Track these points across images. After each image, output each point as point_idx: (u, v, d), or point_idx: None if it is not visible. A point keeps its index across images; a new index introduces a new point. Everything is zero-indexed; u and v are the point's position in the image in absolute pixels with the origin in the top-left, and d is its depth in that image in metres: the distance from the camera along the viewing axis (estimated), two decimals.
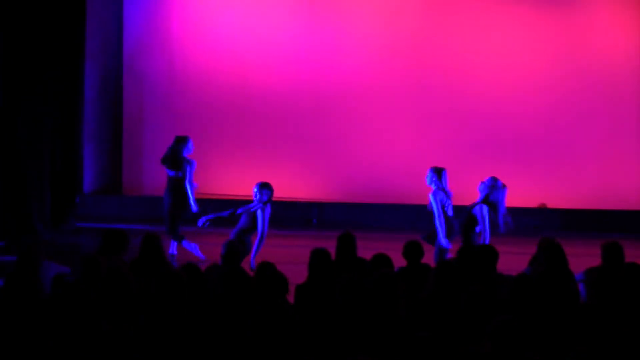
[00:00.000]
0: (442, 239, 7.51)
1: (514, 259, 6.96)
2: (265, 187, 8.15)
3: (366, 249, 6.16)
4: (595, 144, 12.27)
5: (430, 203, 7.71)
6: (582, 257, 6.84)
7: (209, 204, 12.06)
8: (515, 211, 11.95)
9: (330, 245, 6.10)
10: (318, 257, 5.65)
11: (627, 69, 12.19)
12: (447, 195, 7.87)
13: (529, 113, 12.26)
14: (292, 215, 11.59)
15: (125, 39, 12.48)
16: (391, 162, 12.27)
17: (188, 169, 9.24)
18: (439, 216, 7.59)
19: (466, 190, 12.04)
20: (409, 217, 11.66)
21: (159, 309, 4.62)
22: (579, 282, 5.69)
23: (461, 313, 4.69)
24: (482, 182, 7.97)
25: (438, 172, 7.93)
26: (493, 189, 7.91)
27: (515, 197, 12.37)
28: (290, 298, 5.17)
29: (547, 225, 11.58)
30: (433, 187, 7.81)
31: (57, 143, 10.79)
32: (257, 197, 8.13)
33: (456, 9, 12.26)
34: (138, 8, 12.47)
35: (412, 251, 6.12)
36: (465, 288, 4.85)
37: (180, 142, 9.27)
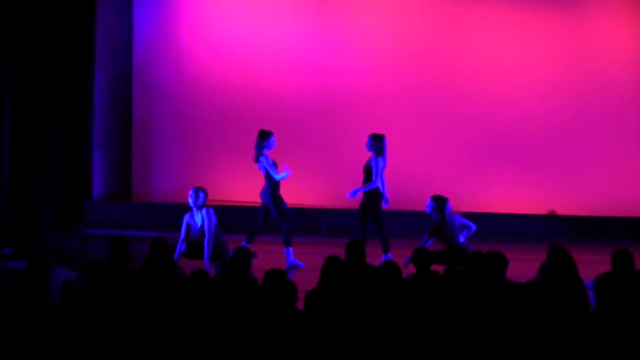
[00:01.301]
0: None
1: (523, 266, 6.94)
2: (201, 190, 8.18)
3: (376, 256, 6.18)
4: (605, 150, 12.23)
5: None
6: (592, 264, 6.81)
7: (217, 211, 12.10)
8: (524, 218, 12.00)
9: (339, 252, 6.09)
10: (331, 264, 5.64)
11: (635, 73, 12.15)
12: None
13: (537, 119, 12.23)
14: (301, 222, 11.57)
15: (135, 46, 12.52)
16: (400, 169, 12.22)
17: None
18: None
19: (475, 197, 12.05)
20: (418, 224, 11.63)
21: (167, 315, 4.61)
22: (588, 290, 5.66)
23: (470, 320, 4.68)
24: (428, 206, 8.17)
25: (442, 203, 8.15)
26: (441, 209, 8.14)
27: (525, 204, 12.37)
28: (300, 304, 5.16)
29: (557, 232, 11.54)
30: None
31: (66, 149, 10.82)
32: (194, 201, 8.07)
33: (463, 15, 12.25)
34: (147, 15, 12.51)
35: (421, 258, 6.11)
36: (475, 295, 4.84)
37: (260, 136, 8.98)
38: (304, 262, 8.75)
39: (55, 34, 10.29)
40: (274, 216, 8.88)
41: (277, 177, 8.83)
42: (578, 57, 12.19)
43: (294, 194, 12.23)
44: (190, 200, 8.18)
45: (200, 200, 8.16)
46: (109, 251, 6.05)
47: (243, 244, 8.81)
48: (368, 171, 8.83)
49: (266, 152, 8.89)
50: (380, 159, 8.75)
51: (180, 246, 8.15)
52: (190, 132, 12.57)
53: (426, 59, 12.28)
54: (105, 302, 4.60)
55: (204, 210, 8.11)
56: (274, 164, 8.90)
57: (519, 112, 12.25)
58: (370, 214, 8.80)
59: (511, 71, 12.25)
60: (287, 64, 12.41)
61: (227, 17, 12.47)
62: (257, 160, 8.94)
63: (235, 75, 12.44)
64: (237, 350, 4.46)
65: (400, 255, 6.36)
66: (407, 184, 12.12)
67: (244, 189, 12.25)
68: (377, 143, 8.82)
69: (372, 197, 8.82)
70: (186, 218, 8.22)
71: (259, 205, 9.18)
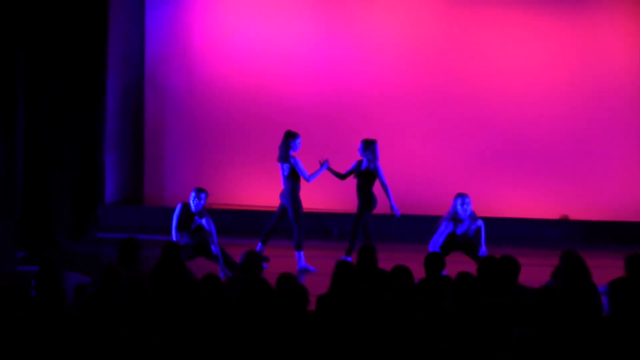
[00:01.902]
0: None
1: (535, 271, 6.92)
2: (203, 192, 8.18)
3: (387, 261, 6.16)
4: (618, 154, 12.18)
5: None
6: (605, 269, 6.79)
7: (230, 215, 12.12)
8: (536, 223, 11.97)
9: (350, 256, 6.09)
10: (342, 268, 5.64)
11: None
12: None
13: (550, 123, 12.20)
14: (312, 226, 11.58)
15: (147, 52, 12.58)
16: (411, 173, 12.24)
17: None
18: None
19: (487, 201, 12.01)
20: (430, 228, 11.62)
21: (179, 319, 4.63)
22: (601, 295, 5.64)
23: (482, 325, 4.67)
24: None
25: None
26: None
27: (537, 208, 12.33)
28: (311, 308, 5.16)
29: (569, 237, 11.50)
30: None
31: (78, 154, 10.87)
32: (198, 203, 8.10)
33: (471, 19, 12.25)
34: (159, 21, 12.57)
35: (433, 263, 6.10)
36: (487, 300, 4.82)
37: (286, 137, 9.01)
38: (315, 266, 8.75)
39: (68, 40, 10.36)
40: (289, 218, 8.88)
41: (309, 178, 8.81)
42: (590, 60, 12.17)
43: (304, 199, 12.26)
44: (193, 203, 8.16)
45: (203, 201, 8.17)
46: (119, 254, 6.06)
47: (259, 247, 8.83)
48: (371, 175, 8.87)
49: (292, 153, 8.88)
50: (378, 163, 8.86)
51: (176, 235, 8.12)
52: (201, 136, 12.62)
53: (435, 62, 12.29)
54: (118, 305, 4.62)
55: (206, 217, 8.11)
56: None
57: (531, 116, 12.23)
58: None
59: (522, 74, 12.23)
60: (298, 69, 12.44)
61: (237, 23, 12.52)
62: (284, 160, 8.91)
63: (246, 81, 12.47)
64: (249, 354, 4.47)
65: (408, 259, 6.36)
66: (417, 188, 12.11)
67: (256, 193, 12.28)
68: (369, 148, 8.89)
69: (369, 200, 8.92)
70: (180, 207, 8.17)
71: (274, 209, 9.19)
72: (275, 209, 9.18)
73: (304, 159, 12.33)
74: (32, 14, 9.75)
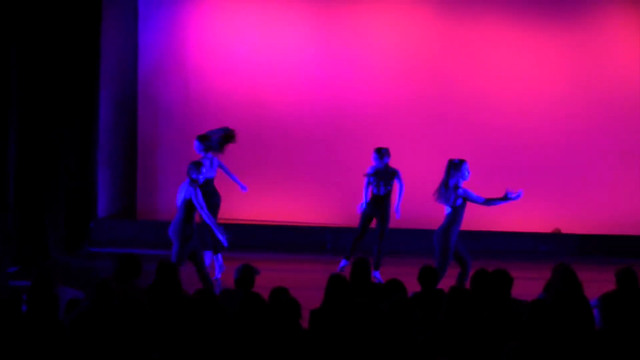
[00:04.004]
0: None
1: (528, 285, 6.94)
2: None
3: (380, 274, 6.18)
4: (610, 169, 12.24)
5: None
6: (597, 283, 6.81)
7: (224, 230, 12.10)
8: (529, 236, 12.00)
9: (345, 271, 6.10)
10: (335, 282, 5.65)
11: None
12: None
13: (543, 138, 12.26)
14: (306, 240, 11.59)
15: (140, 64, 12.59)
16: (407, 187, 12.26)
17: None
18: None
19: (481, 215, 12.03)
20: (424, 242, 11.63)
21: (175, 334, 4.63)
22: (593, 308, 5.66)
23: (476, 339, 4.68)
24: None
25: None
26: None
27: (530, 222, 12.36)
28: (304, 323, 5.17)
29: (562, 250, 11.53)
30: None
31: (71, 168, 10.86)
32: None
33: (470, 31, 12.31)
34: (153, 35, 12.59)
35: (427, 276, 6.11)
36: (480, 313, 4.84)
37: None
38: (308, 281, 8.75)
39: (60, 53, 10.36)
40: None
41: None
42: (586, 75, 12.24)
43: (300, 213, 12.28)
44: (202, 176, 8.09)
45: (193, 174, 8.16)
46: (117, 269, 6.04)
47: (343, 263, 8.81)
48: (390, 176, 8.84)
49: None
50: None
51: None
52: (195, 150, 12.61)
53: (434, 74, 12.34)
54: (113, 320, 4.61)
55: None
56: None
57: (525, 130, 12.28)
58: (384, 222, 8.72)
59: (518, 88, 12.29)
60: (293, 82, 12.47)
61: (232, 36, 12.55)
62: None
63: (242, 94, 12.49)
64: None
65: (410, 273, 6.37)
66: (413, 202, 12.13)
67: (250, 207, 12.27)
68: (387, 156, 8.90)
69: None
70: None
71: (275, 223, 9.19)
72: (269, 223, 9.18)
73: (300, 172, 12.39)
74: (23, 27, 9.75)
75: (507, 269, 5.86)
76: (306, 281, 8.80)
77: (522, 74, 12.28)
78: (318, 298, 5.69)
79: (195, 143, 9.04)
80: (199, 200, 7.98)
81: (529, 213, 12.18)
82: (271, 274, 8.37)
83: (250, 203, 12.26)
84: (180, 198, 8.15)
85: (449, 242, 8.03)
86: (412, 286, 6.05)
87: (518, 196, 8.20)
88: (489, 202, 8.24)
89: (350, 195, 12.33)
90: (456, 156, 11.99)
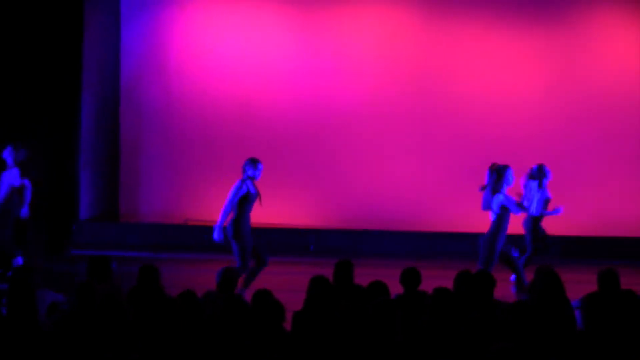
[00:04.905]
0: None
1: (509, 286, 6.97)
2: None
3: (364, 276, 6.17)
4: (594, 171, 12.30)
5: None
6: (579, 284, 6.84)
7: (207, 232, 12.06)
8: (514, 238, 12.01)
9: (328, 272, 6.09)
10: (317, 284, 5.64)
11: (626, 95, 12.25)
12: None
13: (528, 139, 12.29)
14: (289, 242, 11.58)
15: (123, 67, 12.54)
16: (390, 189, 12.28)
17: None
18: None
19: (465, 217, 12.06)
20: (408, 244, 11.65)
21: (156, 337, 4.60)
22: (575, 309, 5.69)
23: (460, 341, 4.69)
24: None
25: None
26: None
27: (514, 223, 12.39)
28: (287, 326, 5.16)
29: (542, 252, 11.56)
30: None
31: (53, 170, 10.80)
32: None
33: (455, 35, 12.34)
34: (135, 37, 12.54)
35: (410, 278, 6.12)
36: (463, 315, 4.85)
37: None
38: (291, 283, 8.72)
39: (42, 55, 10.31)
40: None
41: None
42: (569, 78, 12.29)
43: (283, 215, 12.27)
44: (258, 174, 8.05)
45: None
46: (91, 271, 6.02)
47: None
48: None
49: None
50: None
51: None
52: (178, 152, 12.58)
53: (420, 79, 12.35)
54: (94, 323, 4.59)
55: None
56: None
57: (509, 132, 12.32)
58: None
59: (501, 88, 12.33)
60: (277, 84, 12.45)
61: (215, 39, 12.52)
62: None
63: (225, 97, 12.46)
64: None
65: (389, 275, 6.36)
66: (395, 204, 12.15)
67: None
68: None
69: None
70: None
71: (259, 225, 9.16)
72: (252, 225, 9.13)
73: (284, 174, 12.36)
74: (4, 29, 9.69)
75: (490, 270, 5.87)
76: (289, 283, 8.78)
77: (505, 73, 12.32)
78: (302, 300, 5.68)
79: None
80: (233, 191, 7.99)
81: (513, 215, 12.21)
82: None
83: None
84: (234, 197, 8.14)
85: (494, 250, 7.99)
86: (396, 288, 6.05)
87: (558, 211, 8.26)
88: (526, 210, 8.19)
89: (333, 196, 12.35)
90: (438, 155, 12.03)
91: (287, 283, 8.55)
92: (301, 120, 12.42)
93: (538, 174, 9.19)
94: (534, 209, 8.97)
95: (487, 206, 8.03)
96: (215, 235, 8.19)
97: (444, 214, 12.06)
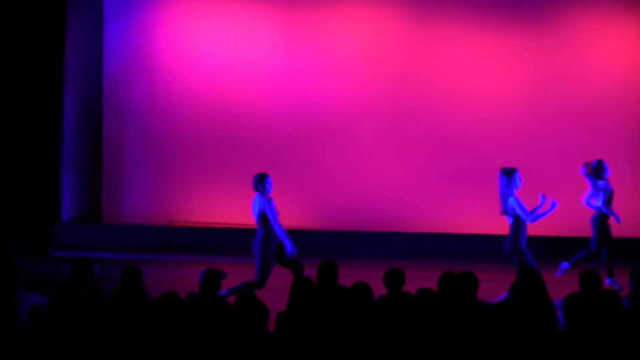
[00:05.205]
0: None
1: (493, 287, 6.99)
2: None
3: (348, 277, 6.18)
4: (574, 172, 12.36)
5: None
6: (561, 284, 6.88)
7: (191, 233, 12.04)
8: (493, 239, 12.06)
9: (312, 273, 6.09)
10: (301, 285, 5.64)
11: (606, 96, 12.33)
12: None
13: (508, 141, 12.35)
14: (273, 243, 11.55)
15: (106, 67, 12.49)
16: (374, 190, 12.30)
17: None
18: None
19: (447, 218, 12.11)
20: (393, 245, 11.67)
21: (138, 338, 4.58)
22: (557, 309, 5.71)
23: (443, 341, 4.70)
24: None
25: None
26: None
27: (493, 224, 12.43)
28: (271, 327, 5.15)
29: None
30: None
31: (34, 171, 10.74)
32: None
33: (436, 37, 12.38)
34: (118, 36, 12.50)
35: (393, 279, 6.12)
36: (446, 316, 4.86)
37: None
38: (275, 284, 8.73)
39: (23, 54, 10.25)
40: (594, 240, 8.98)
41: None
42: (549, 79, 12.36)
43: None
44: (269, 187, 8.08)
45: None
46: (73, 273, 6.00)
47: (565, 265, 8.78)
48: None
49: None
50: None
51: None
52: (161, 152, 12.54)
53: (404, 80, 12.38)
54: (75, 325, 4.56)
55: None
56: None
57: (490, 133, 12.37)
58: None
59: (482, 89, 12.37)
60: (261, 85, 12.44)
61: (199, 39, 12.49)
62: None
63: (208, 96, 12.44)
64: None
65: (373, 276, 6.37)
66: (381, 204, 12.17)
67: (216, 210, 12.22)
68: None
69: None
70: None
71: (243, 226, 9.14)
72: (237, 226, 9.13)
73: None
74: None
75: (473, 271, 5.89)
76: (273, 284, 8.78)
77: (490, 73, 12.36)
78: (285, 301, 5.67)
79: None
80: (272, 210, 8.02)
81: (492, 215, 12.26)
82: (238, 278, 8.34)
83: (216, 207, 12.21)
84: (255, 212, 8.11)
85: (522, 251, 8.08)
86: (379, 289, 6.06)
87: (554, 205, 8.23)
88: (536, 217, 8.19)
89: (317, 197, 12.36)
90: (422, 155, 12.05)
91: (271, 284, 8.54)
92: (285, 120, 12.42)
93: (597, 169, 9.25)
94: (600, 204, 9.09)
95: (504, 211, 8.11)
96: (290, 248, 8.15)
97: (429, 214, 12.09)
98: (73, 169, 12.20)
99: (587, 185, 11.18)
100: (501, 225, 12.18)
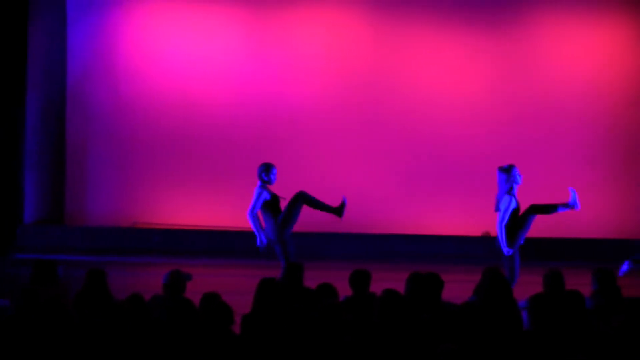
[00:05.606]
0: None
1: (458, 288, 7.02)
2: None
3: (314, 279, 6.17)
4: (539, 172, 12.49)
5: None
6: (525, 285, 6.94)
7: (156, 235, 11.96)
8: (459, 240, 12.17)
9: (277, 275, 6.08)
10: (265, 286, 5.62)
11: (575, 96, 12.48)
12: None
13: (475, 142, 12.44)
14: (238, 245, 11.53)
15: (69, 68, 12.37)
16: (341, 191, 12.29)
17: None
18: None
19: (413, 219, 12.16)
20: (359, 246, 11.69)
21: (103, 341, 4.54)
22: (522, 310, 5.76)
23: (408, 342, 4.71)
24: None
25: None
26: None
27: (460, 225, 12.53)
28: (236, 328, 5.13)
29: (491, 253, 11.70)
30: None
31: None
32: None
33: (403, 37, 12.45)
34: (82, 36, 12.38)
35: (359, 280, 6.12)
36: (412, 316, 4.87)
37: None
38: (240, 285, 8.69)
39: None
40: None
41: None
42: (519, 81, 12.48)
43: (232, 217, 12.21)
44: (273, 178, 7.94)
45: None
46: (36, 275, 5.93)
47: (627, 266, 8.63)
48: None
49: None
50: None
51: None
52: (126, 154, 12.45)
53: (366, 80, 12.44)
54: (37, 328, 4.50)
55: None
56: None
57: (457, 135, 12.46)
58: None
59: (447, 91, 12.46)
60: (227, 87, 12.41)
61: (164, 40, 12.42)
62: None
63: (172, 97, 12.38)
64: None
65: (339, 278, 6.37)
66: (352, 207, 12.17)
67: (183, 210, 12.15)
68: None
69: None
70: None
71: (208, 228, 9.09)
72: (201, 228, 9.09)
73: (232, 175, 12.28)
74: None
75: (438, 272, 5.92)
76: (239, 286, 8.74)
77: (454, 74, 12.47)
78: (250, 303, 5.65)
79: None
80: (259, 202, 7.89)
81: (460, 216, 12.36)
82: (204, 279, 8.29)
83: (181, 207, 12.14)
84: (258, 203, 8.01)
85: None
86: (344, 290, 6.06)
87: (574, 202, 8.11)
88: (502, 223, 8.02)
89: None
90: (388, 156, 12.10)
91: (237, 286, 8.52)
92: (250, 121, 12.40)
93: None
94: None
95: (497, 208, 8.13)
96: (258, 241, 8.08)
97: (393, 215, 12.14)
98: (36, 169, 12.05)
99: (550, 186, 11.30)
100: (469, 227, 12.30)
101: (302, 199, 8.13)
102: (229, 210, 11.70)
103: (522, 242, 8.01)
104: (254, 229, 8.03)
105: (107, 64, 12.40)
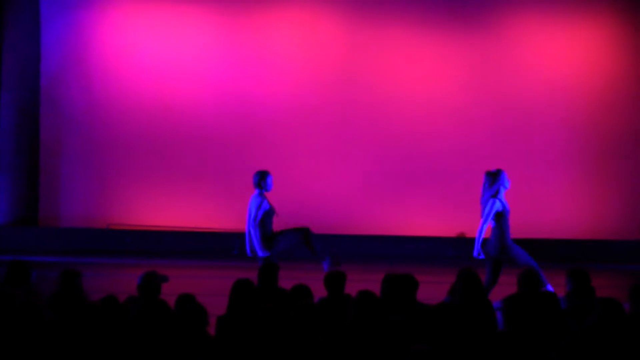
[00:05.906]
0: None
1: (432, 288, 7.05)
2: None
3: (288, 280, 6.17)
4: (515, 173, 12.56)
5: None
6: (500, 286, 6.98)
7: (128, 236, 11.89)
8: (434, 241, 12.21)
9: (252, 276, 6.06)
10: (239, 287, 5.60)
11: (551, 97, 12.57)
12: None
13: (449, 144, 12.51)
14: (213, 246, 11.50)
15: (43, 69, 12.28)
16: (317, 192, 12.32)
17: None
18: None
19: (389, 220, 12.18)
20: (334, 247, 11.69)
21: (77, 342, 4.51)
22: (496, 310, 5.79)
23: (381, 343, 4.72)
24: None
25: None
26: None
27: (435, 226, 12.58)
28: (211, 330, 5.11)
29: (466, 254, 11.76)
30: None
31: None
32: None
33: (380, 38, 12.50)
34: (56, 37, 12.31)
35: (333, 281, 6.13)
36: (386, 317, 4.88)
37: None
38: (215, 287, 8.67)
39: None
40: None
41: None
42: (493, 82, 12.56)
43: (206, 218, 12.18)
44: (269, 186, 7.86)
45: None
46: (8, 277, 5.88)
47: None
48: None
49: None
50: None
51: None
52: (100, 155, 12.38)
53: (344, 84, 12.46)
54: (10, 329, 4.46)
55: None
56: None
57: (433, 135, 12.51)
58: None
59: (424, 93, 12.51)
60: (202, 88, 12.39)
61: (138, 40, 12.37)
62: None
63: (147, 98, 12.33)
64: None
65: (314, 279, 6.37)
66: (320, 206, 12.19)
67: (157, 212, 12.10)
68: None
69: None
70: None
71: (182, 229, 9.05)
72: (176, 229, 9.04)
73: (208, 177, 12.25)
74: None
75: (413, 273, 5.94)
76: (213, 287, 8.72)
77: (428, 75, 12.52)
78: (225, 304, 5.63)
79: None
80: (260, 212, 7.86)
81: (435, 217, 12.41)
82: (179, 280, 8.26)
83: (155, 209, 12.09)
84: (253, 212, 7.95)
85: (511, 248, 7.97)
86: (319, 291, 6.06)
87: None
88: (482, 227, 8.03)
89: None
90: (361, 157, 12.12)
91: (211, 287, 8.49)
92: (225, 123, 12.38)
93: None
94: None
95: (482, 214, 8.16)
96: (252, 251, 8.02)
97: (369, 216, 12.17)
98: (9, 171, 11.95)
99: (525, 186, 11.38)
100: (436, 228, 12.35)
101: (304, 233, 8.11)
102: (204, 211, 11.68)
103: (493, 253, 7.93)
104: (254, 240, 7.97)
105: (81, 65, 12.33)
